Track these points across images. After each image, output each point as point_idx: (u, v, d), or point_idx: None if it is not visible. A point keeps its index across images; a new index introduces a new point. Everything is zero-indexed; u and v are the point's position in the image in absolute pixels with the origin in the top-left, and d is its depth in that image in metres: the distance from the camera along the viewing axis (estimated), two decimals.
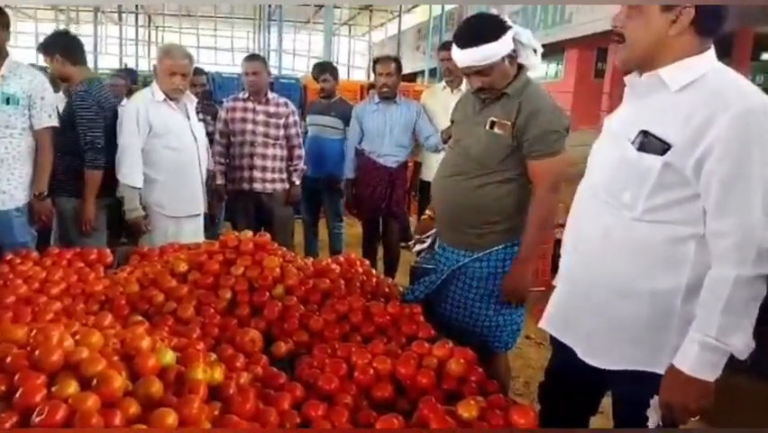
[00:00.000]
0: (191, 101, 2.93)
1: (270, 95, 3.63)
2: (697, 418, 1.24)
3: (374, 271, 2.19)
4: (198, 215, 2.98)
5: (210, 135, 3.54)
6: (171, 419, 1.04)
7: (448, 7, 12.32)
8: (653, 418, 1.29)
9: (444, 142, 3.66)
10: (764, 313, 1.22)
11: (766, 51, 12.55)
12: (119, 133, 2.75)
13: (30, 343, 1.15)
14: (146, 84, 5.91)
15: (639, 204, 1.28)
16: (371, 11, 13.44)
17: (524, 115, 1.89)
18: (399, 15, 13.53)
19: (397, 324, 1.73)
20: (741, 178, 1.16)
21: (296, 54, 11.27)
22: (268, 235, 2.08)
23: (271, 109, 3.58)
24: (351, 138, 3.88)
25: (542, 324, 1.58)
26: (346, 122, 4.02)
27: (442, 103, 3.76)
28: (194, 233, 2.87)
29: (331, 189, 4.13)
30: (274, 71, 8.00)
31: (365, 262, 2.25)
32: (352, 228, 5.22)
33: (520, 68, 1.96)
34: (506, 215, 1.97)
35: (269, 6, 11.77)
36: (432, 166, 3.99)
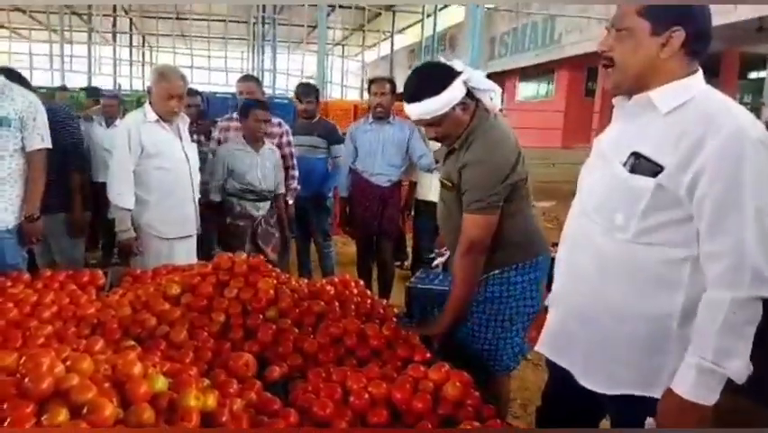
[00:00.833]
0: (184, 121, 2.94)
1: None
2: None
3: (369, 293, 2.17)
4: (191, 236, 2.96)
5: (203, 156, 3.54)
6: None
7: (440, 28, 12.49)
8: None
9: (437, 161, 3.68)
10: (764, 335, 1.22)
11: (753, 71, 12.78)
12: (111, 154, 2.76)
13: (19, 370, 1.13)
14: (139, 104, 5.95)
15: (632, 226, 1.28)
16: (364, 31, 13.59)
17: (460, 168, 1.86)
18: (392, 36, 13.69)
19: (393, 346, 1.72)
20: (733, 199, 1.16)
21: (289, 74, 11.34)
22: (261, 257, 2.06)
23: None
24: (345, 157, 3.89)
25: (538, 346, 1.57)
26: (329, 141, 4.06)
27: None
28: (187, 254, 2.85)
29: (318, 208, 4.14)
30: (268, 91, 8.05)
31: (360, 282, 2.24)
32: (346, 247, 5.21)
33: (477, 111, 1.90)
34: (498, 244, 1.93)
35: (263, 27, 11.88)
36: (426, 185, 4.02)
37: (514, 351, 2.05)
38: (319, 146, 4.07)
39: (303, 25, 11.51)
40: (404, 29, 15.20)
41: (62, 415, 1.03)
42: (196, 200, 2.99)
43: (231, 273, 1.93)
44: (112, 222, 2.79)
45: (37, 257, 3.13)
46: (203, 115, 4.44)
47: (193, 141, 3.09)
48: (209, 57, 12.79)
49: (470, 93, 1.87)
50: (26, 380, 1.07)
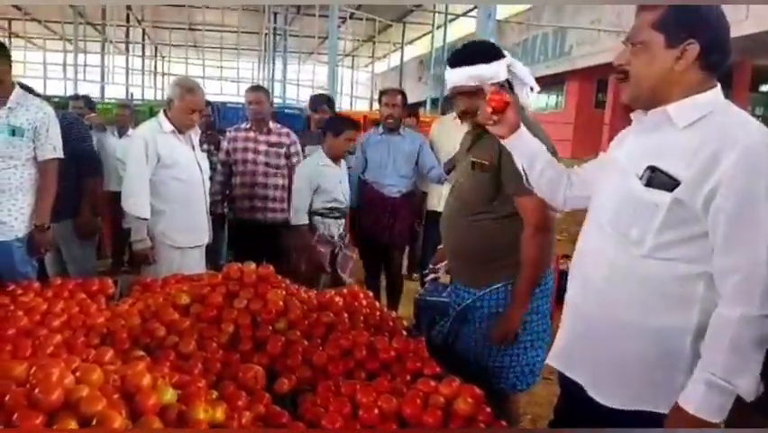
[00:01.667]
0: (195, 132, 2.96)
1: (273, 125, 3.67)
2: None
3: (378, 304, 2.16)
4: (202, 245, 2.97)
5: (213, 165, 3.56)
6: None
7: (450, 39, 12.54)
8: None
9: (447, 173, 3.67)
10: None
11: (765, 84, 12.71)
12: (126, 164, 2.78)
13: (29, 380, 1.13)
14: (152, 113, 6.00)
15: (647, 240, 1.27)
16: (375, 43, 13.68)
17: (501, 151, 1.82)
18: (402, 47, 13.76)
19: (402, 359, 1.70)
20: (748, 214, 1.15)
21: (300, 85, 11.41)
22: (271, 267, 2.06)
23: (273, 139, 3.61)
24: (355, 168, 3.90)
25: (549, 360, 1.55)
26: None
27: (451, 133, 3.78)
28: (198, 263, 2.86)
29: None
30: (278, 101, 8.11)
31: (369, 294, 2.23)
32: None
33: None
34: (502, 252, 1.92)
35: (275, 38, 11.98)
36: (436, 196, 4.01)
37: (522, 369, 2.01)
38: None
39: (314, 36, 11.60)
40: (414, 40, 15.28)
41: (71, 426, 1.03)
42: (208, 210, 3.01)
43: (240, 284, 1.93)
44: (121, 230, 2.80)
45: (47, 266, 3.14)
46: (212, 125, 4.48)
47: (203, 150, 3.12)
48: (221, 67, 12.91)
49: (509, 84, 1.89)
50: (36, 390, 1.07)
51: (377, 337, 1.77)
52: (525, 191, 1.77)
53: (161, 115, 2.83)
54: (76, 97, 5.41)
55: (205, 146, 3.60)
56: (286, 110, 7.10)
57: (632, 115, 1.40)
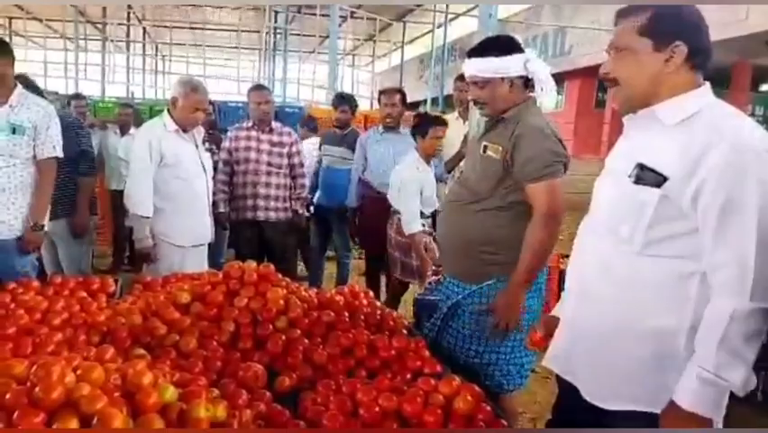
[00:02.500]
0: (198, 131, 2.96)
1: (274, 124, 3.66)
2: None
3: (378, 303, 2.16)
4: (204, 244, 2.97)
5: (215, 165, 3.56)
6: None
7: (450, 38, 12.52)
8: None
9: (448, 172, 3.67)
10: None
11: (765, 83, 12.70)
12: (129, 163, 2.78)
13: (30, 378, 1.13)
14: (152, 112, 6.00)
15: (638, 237, 1.28)
16: (375, 42, 13.66)
17: (514, 138, 1.87)
18: (402, 46, 13.75)
19: (402, 358, 1.70)
20: (736, 209, 1.15)
21: (300, 84, 11.39)
22: (272, 266, 2.06)
23: (275, 138, 3.60)
24: (355, 167, 3.89)
25: (545, 361, 1.55)
26: None
27: (454, 133, 3.78)
28: (199, 262, 2.86)
29: (340, 219, 4.13)
30: (278, 100, 8.10)
31: (369, 293, 2.23)
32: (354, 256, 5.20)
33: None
34: (499, 245, 1.93)
35: (275, 37, 11.97)
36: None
37: (509, 369, 2.00)
38: (347, 157, 4.06)
39: (314, 35, 11.59)
40: (414, 39, 15.26)
41: (72, 425, 1.03)
42: (211, 209, 3.01)
43: (241, 282, 1.93)
44: (122, 229, 2.80)
45: (45, 265, 3.15)
46: (214, 124, 4.47)
47: (206, 150, 3.12)
48: (222, 66, 12.89)
49: (526, 80, 1.93)
50: (37, 389, 1.07)
51: (377, 336, 1.77)
52: (538, 177, 1.82)
53: (165, 113, 2.84)
54: (76, 96, 5.41)
55: (207, 145, 3.60)
56: (286, 108, 7.10)
57: (624, 119, 1.41)
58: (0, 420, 1.04)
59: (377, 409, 1.38)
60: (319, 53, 13.34)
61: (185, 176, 2.80)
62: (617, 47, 1.32)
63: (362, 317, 1.94)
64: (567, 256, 1.63)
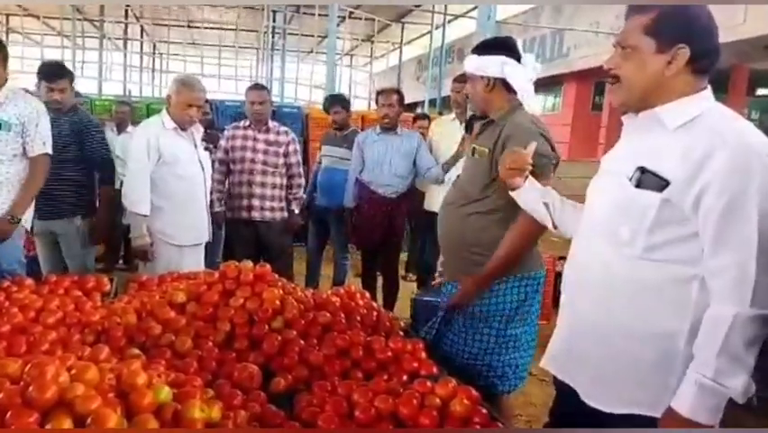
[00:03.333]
0: (197, 130, 2.95)
1: (271, 123, 3.64)
2: None
3: (375, 305, 2.16)
4: (201, 243, 2.96)
5: (213, 164, 3.54)
6: None
7: (448, 39, 12.52)
8: None
9: (446, 173, 3.67)
10: None
11: (762, 87, 12.75)
12: (127, 160, 2.79)
13: (23, 378, 1.12)
14: (149, 110, 5.98)
15: (638, 241, 1.27)
16: (373, 42, 13.65)
17: (501, 139, 1.90)
18: (400, 47, 13.74)
19: (399, 360, 1.70)
20: (738, 214, 1.15)
21: (298, 83, 11.37)
22: (268, 266, 2.06)
23: (272, 138, 3.59)
24: (352, 167, 3.89)
25: (543, 363, 1.55)
26: None
27: (449, 134, 3.78)
28: (196, 262, 2.86)
29: (339, 219, 4.13)
30: (276, 100, 8.08)
31: (365, 294, 2.23)
32: (352, 257, 5.19)
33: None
34: (489, 247, 1.92)
35: (273, 36, 11.94)
36: (435, 197, 4.01)
37: (504, 370, 2.00)
38: (346, 158, 4.06)
39: (313, 35, 11.58)
40: (412, 40, 15.26)
41: (66, 425, 1.02)
42: (208, 208, 3.00)
43: (237, 282, 1.93)
44: (117, 227, 2.79)
45: (41, 263, 3.12)
46: (212, 123, 4.46)
47: (204, 149, 3.11)
48: (219, 65, 12.86)
49: (507, 84, 1.97)
50: (30, 388, 1.06)
51: (373, 337, 1.77)
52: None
53: (164, 111, 2.83)
54: (77, 95, 5.38)
55: (204, 144, 3.59)
56: (284, 108, 7.08)
57: (623, 119, 1.41)
58: None
59: (372, 410, 1.37)
60: (317, 53, 13.34)
61: (183, 174, 2.80)
62: (622, 44, 1.32)
63: (359, 318, 1.93)
64: (563, 258, 1.62)
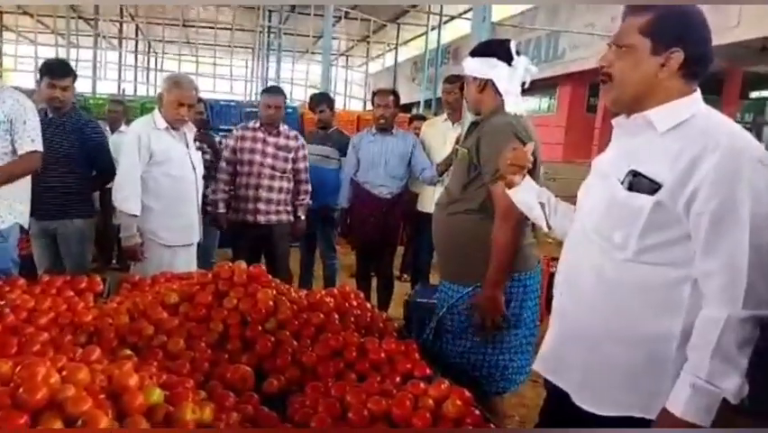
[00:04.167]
0: (190, 130, 2.94)
1: (282, 127, 3.59)
2: None
3: (369, 306, 2.16)
4: (193, 244, 2.95)
5: (207, 164, 3.52)
6: None
7: (444, 40, 12.54)
8: None
9: (440, 174, 3.68)
10: (763, 354, 1.20)
11: (755, 90, 12.82)
12: (119, 159, 2.78)
13: (14, 379, 1.12)
14: (143, 110, 5.96)
15: (631, 244, 1.27)
16: (369, 43, 13.66)
17: (479, 138, 1.95)
18: (396, 48, 13.76)
19: (393, 361, 1.70)
20: (729, 217, 1.16)
21: (293, 83, 11.36)
22: (262, 267, 2.05)
23: (281, 142, 3.54)
24: (347, 168, 3.88)
25: (535, 365, 1.55)
26: (342, 152, 4.03)
27: (442, 135, 3.79)
28: (188, 262, 2.84)
29: (325, 219, 4.12)
30: None
31: (360, 295, 2.23)
32: (346, 258, 5.19)
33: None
34: (473, 247, 1.94)
35: (269, 36, 11.93)
36: (429, 198, 4.00)
37: (490, 371, 2.00)
38: (331, 156, 4.05)
39: (308, 35, 11.57)
40: (408, 41, 15.28)
41: (56, 426, 1.02)
42: (200, 208, 2.99)
43: (230, 283, 1.92)
44: (109, 227, 2.78)
45: (36, 262, 3.10)
46: (206, 124, 4.44)
47: (197, 149, 3.10)
48: (214, 64, 12.83)
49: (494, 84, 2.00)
50: (20, 390, 1.06)
51: (367, 338, 1.77)
52: (494, 178, 1.87)
53: (156, 111, 2.82)
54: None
55: (197, 144, 3.58)
56: None
57: (613, 121, 1.41)
58: None
59: (366, 412, 1.37)
60: (313, 53, 13.32)
61: (174, 174, 2.78)
62: (617, 43, 1.32)
63: (352, 318, 1.93)
64: (556, 259, 1.62)
